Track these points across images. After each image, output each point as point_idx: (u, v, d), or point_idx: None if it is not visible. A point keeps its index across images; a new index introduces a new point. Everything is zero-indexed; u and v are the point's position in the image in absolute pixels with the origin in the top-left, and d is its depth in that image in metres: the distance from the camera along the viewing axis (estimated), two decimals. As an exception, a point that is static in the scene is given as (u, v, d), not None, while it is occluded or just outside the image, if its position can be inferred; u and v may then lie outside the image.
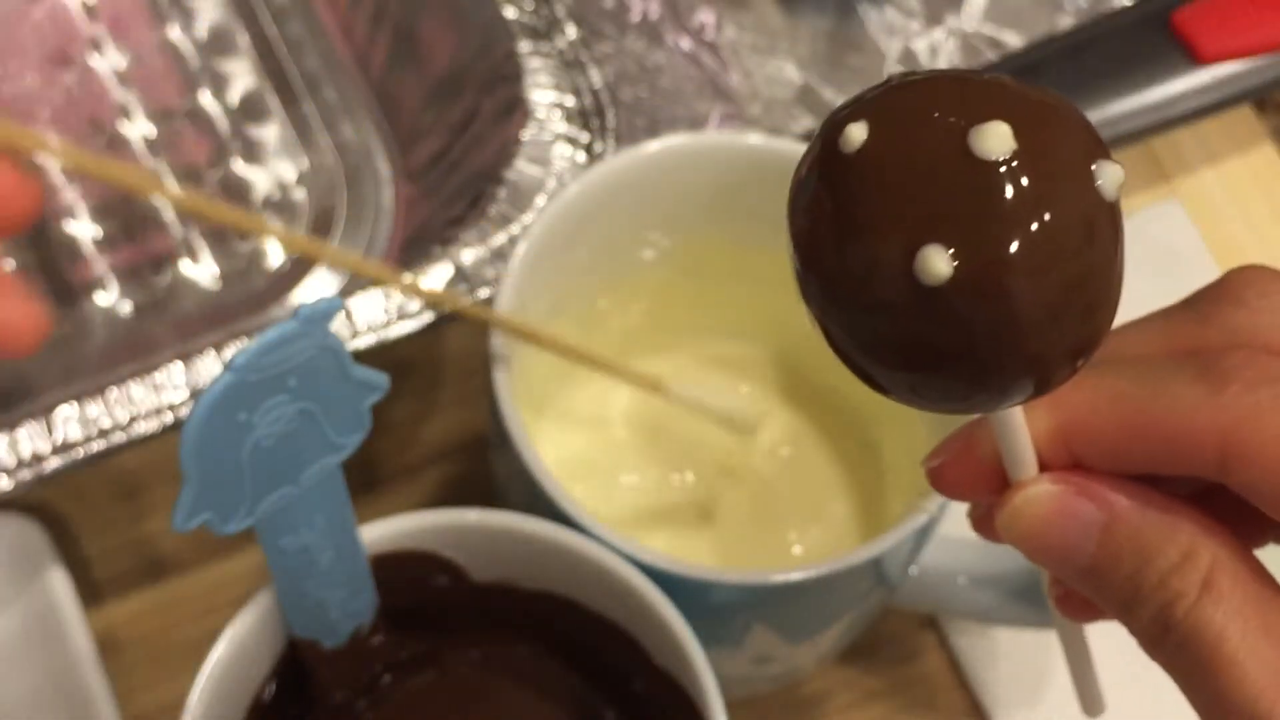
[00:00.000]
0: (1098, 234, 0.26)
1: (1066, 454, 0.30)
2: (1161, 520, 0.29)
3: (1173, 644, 0.28)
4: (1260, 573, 0.29)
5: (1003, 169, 0.25)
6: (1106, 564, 0.29)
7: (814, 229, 0.27)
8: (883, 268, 0.25)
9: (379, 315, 0.49)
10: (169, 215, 0.57)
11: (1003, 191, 0.25)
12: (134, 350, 0.54)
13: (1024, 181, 0.25)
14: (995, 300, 0.25)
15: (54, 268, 0.55)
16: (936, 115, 0.26)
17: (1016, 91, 0.26)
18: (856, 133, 0.26)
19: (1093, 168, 0.26)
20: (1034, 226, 0.25)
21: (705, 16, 0.57)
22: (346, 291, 0.50)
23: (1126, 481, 0.30)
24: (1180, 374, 0.29)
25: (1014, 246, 0.25)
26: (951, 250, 0.25)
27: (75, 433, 0.46)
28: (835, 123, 0.26)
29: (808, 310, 0.28)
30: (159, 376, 0.47)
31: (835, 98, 0.56)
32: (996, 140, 0.25)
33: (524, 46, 0.54)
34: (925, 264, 0.25)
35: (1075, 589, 0.31)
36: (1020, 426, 0.30)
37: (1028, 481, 0.30)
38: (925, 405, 0.28)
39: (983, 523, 0.33)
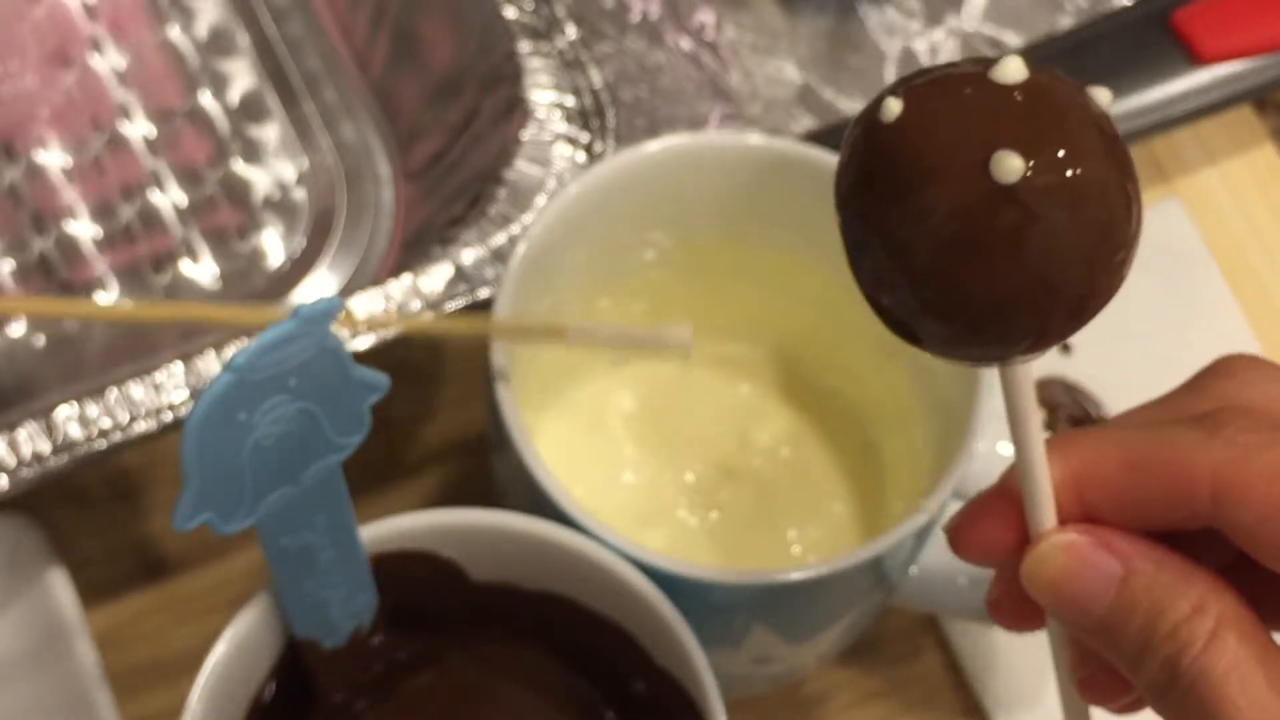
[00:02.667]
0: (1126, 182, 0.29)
1: (1080, 506, 0.32)
2: (1175, 574, 0.31)
3: (1178, 692, 0.30)
4: (1263, 630, 0.31)
5: (1029, 97, 0.29)
6: (1122, 615, 0.31)
7: (875, 169, 0.30)
8: (957, 174, 0.28)
9: (379, 315, 0.49)
10: (169, 215, 0.57)
11: (1050, 115, 0.29)
12: (134, 350, 0.54)
13: (1057, 110, 0.29)
14: (1060, 204, 0.28)
15: (54, 268, 0.55)
16: (964, 78, 0.29)
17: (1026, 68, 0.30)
18: (894, 105, 0.29)
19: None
20: (1085, 148, 0.29)
21: (705, 16, 0.57)
22: (346, 291, 0.50)
23: (1143, 538, 0.32)
24: (1179, 425, 0.32)
25: (1074, 159, 0.28)
26: (1023, 155, 0.28)
27: (75, 433, 0.46)
28: (873, 104, 0.30)
29: (859, 267, 0.31)
30: (159, 376, 0.47)
31: (835, 98, 0.56)
32: (1014, 69, 0.29)
33: (524, 46, 0.54)
34: (1000, 163, 0.28)
35: (1089, 643, 0.33)
36: (1041, 460, 0.32)
37: (1049, 533, 0.32)
38: (959, 342, 0.30)
39: (998, 606, 0.35)
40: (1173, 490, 0.31)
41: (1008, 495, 0.33)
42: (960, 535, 0.34)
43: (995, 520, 0.33)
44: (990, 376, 0.45)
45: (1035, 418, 0.32)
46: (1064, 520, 0.32)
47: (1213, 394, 0.33)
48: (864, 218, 0.30)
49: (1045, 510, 0.32)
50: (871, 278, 0.30)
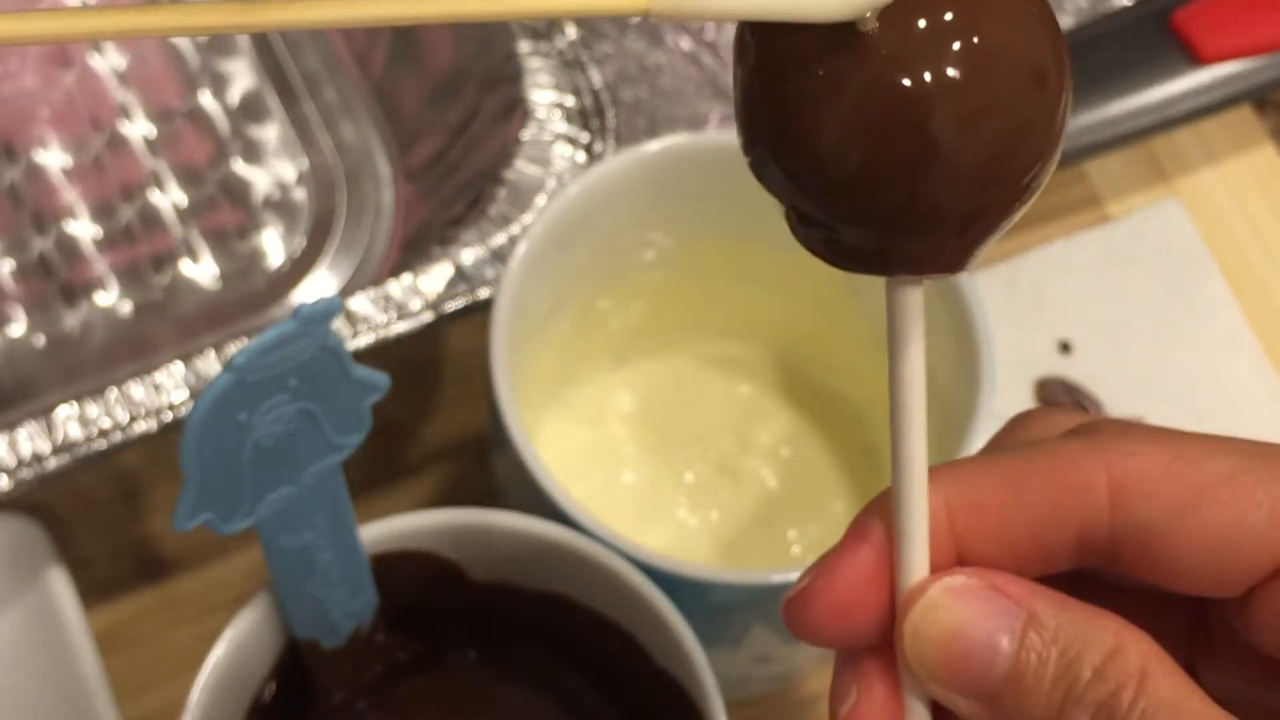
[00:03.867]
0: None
1: (951, 540, 0.28)
2: (1083, 614, 0.27)
3: None
4: (1178, 667, 0.27)
5: None
6: (1030, 668, 0.26)
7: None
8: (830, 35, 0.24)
9: (379, 315, 0.49)
10: (169, 215, 0.57)
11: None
12: (134, 350, 0.54)
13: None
14: (938, 65, 0.24)
15: (54, 268, 0.55)
16: None
17: None
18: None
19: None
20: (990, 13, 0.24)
21: (705, 16, 0.57)
22: (346, 291, 0.50)
23: (1033, 583, 0.27)
24: (1055, 440, 0.28)
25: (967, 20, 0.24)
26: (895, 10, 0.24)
27: (75, 433, 0.46)
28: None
29: (761, 167, 0.27)
30: (159, 376, 0.47)
31: (835, 98, 0.56)
32: None
33: (524, 46, 0.54)
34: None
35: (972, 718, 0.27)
36: (920, 453, 0.27)
37: (926, 583, 0.27)
38: (848, 246, 0.26)
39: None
40: (1062, 500, 0.27)
41: (866, 545, 0.28)
42: (803, 604, 0.28)
43: (853, 579, 0.28)
44: (991, 376, 0.45)
45: (917, 375, 0.28)
46: (934, 568, 0.27)
47: (1030, 436, 0.29)
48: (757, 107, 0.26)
49: (920, 545, 0.27)
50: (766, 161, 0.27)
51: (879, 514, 0.28)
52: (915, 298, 0.27)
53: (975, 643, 0.27)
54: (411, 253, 0.53)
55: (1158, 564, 0.27)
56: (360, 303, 0.49)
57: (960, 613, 0.27)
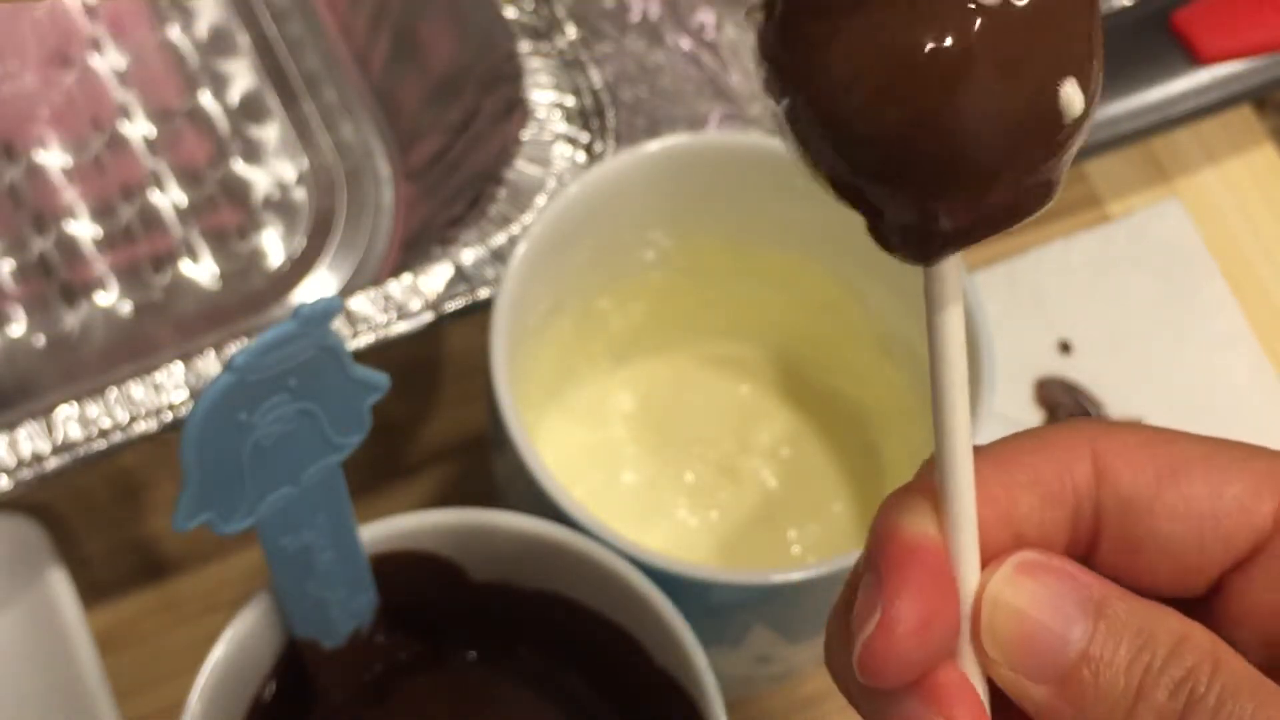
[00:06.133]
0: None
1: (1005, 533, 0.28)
2: (1148, 603, 0.27)
3: (1203, 716, 0.26)
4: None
5: None
6: (1106, 647, 0.26)
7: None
8: None
9: (379, 315, 0.49)
10: (169, 215, 0.57)
11: None
12: (134, 350, 0.54)
13: None
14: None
15: (54, 268, 0.55)
16: None
17: None
18: None
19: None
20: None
21: (705, 16, 0.57)
22: (346, 291, 0.50)
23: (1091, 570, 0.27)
24: (1037, 427, 0.29)
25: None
26: None
27: (75, 433, 0.46)
28: None
29: (795, 128, 0.26)
30: (159, 376, 0.47)
31: (835, 98, 0.56)
32: None
33: (524, 46, 0.54)
34: None
35: (1037, 702, 0.27)
36: (966, 440, 0.27)
37: (994, 566, 0.27)
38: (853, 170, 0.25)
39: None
40: (1055, 478, 0.27)
41: (913, 557, 0.27)
42: (894, 639, 0.26)
43: (922, 587, 0.26)
44: (991, 376, 0.45)
45: (959, 354, 0.28)
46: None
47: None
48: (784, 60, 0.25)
49: (972, 527, 0.27)
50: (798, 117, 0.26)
51: (907, 523, 0.28)
52: (954, 270, 0.27)
53: (1051, 621, 0.26)
54: (411, 253, 0.53)
55: (1145, 541, 0.28)
56: (360, 303, 0.49)
57: (1035, 592, 0.27)
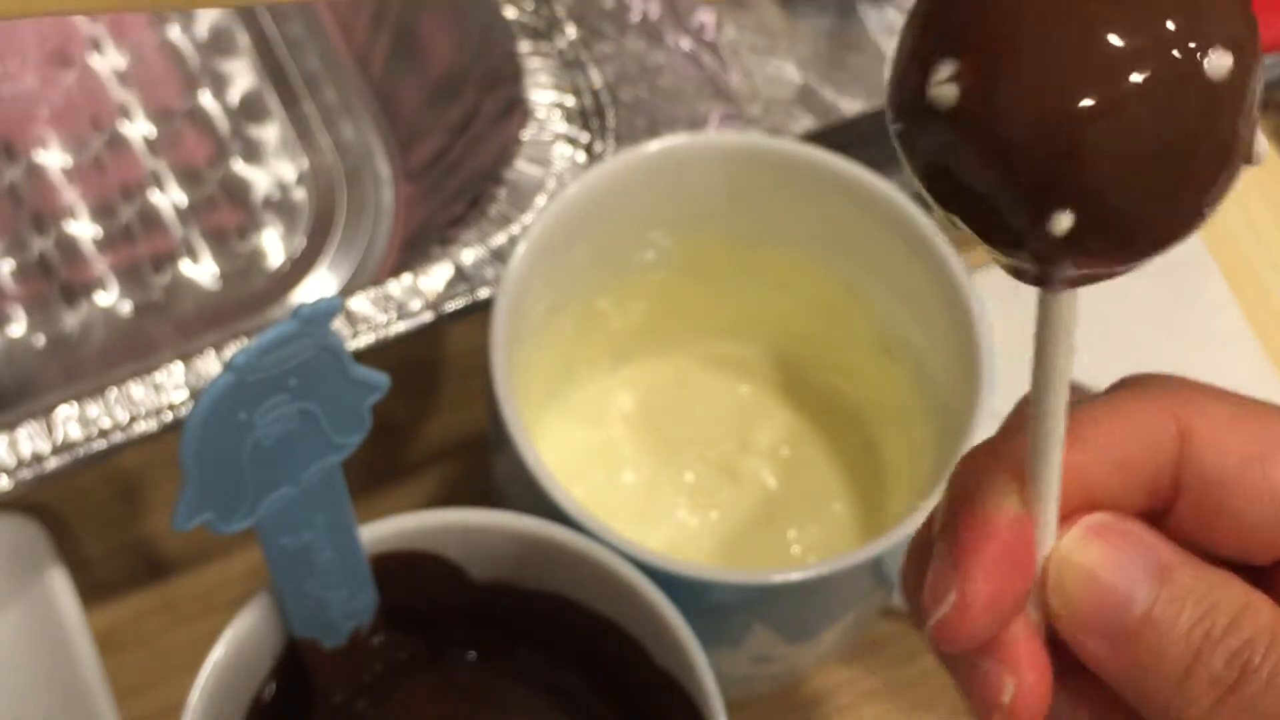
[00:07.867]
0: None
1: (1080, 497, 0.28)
2: (1212, 571, 0.27)
3: (1255, 688, 0.26)
4: None
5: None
6: (1169, 611, 0.27)
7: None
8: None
9: (379, 315, 0.49)
10: (169, 215, 0.57)
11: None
12: (134, 350, 0.54)
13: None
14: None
15: (54, 268, 0.55)
16: None
17: None
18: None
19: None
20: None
21: (705, 16, 0.57)
22: (346, 291, 0.50)
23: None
24: (1117, 394, 0.29)
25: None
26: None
27: (75, 433, 0.46)
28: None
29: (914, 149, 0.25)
30: (159, 376, 0.47)
31: (835, 98, 0.56)
32: None
33: (524, 46, 0.54)
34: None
35: (1099, 657, 0.27)
36: (1059, 428, 0.27)
37: (1064, 529, 0.28)
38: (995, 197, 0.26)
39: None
40: (1134, 452, 0.28)
41: (987, 526, 0.27)
42: (968, 619, 0.27)
43: (998, 566, 0.27)
44: (990, 376, 0.45)
45: (1065, 370, 0.27)
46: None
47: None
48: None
49: (1054, 495, 0.27)
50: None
51: (979, 495, 0.28)
52: (1070, 304, 0.27)
53: (1117, 581, 0.27)
54: (411, 253, 0.53)
55: (1220, 518, 0.28)
56: (360, 303, 0.49)
57: (1104, 553, 0.27)
